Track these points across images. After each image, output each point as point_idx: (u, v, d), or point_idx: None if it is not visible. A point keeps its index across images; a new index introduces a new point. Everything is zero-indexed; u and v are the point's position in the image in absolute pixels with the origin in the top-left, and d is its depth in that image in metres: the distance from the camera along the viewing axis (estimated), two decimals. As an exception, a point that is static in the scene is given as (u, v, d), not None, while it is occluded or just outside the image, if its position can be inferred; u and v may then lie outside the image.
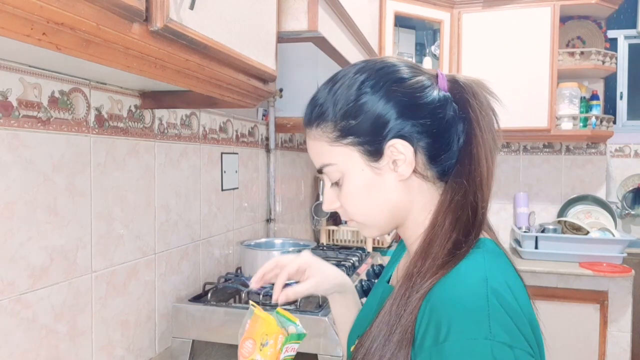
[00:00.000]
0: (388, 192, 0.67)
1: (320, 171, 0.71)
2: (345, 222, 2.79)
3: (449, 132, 0.66)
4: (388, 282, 0.81)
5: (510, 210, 3.12)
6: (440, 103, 0.66)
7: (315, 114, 0.69)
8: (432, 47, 2.95)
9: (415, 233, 0.69)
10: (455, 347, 0.52)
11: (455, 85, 0.68)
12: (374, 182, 0.67)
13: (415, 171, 0.66)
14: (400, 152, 0.65)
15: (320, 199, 2.59)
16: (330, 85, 0.69)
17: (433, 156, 0.66)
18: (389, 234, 2.73)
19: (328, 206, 0.72)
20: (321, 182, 2.60)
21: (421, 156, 0.66)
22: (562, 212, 2.96)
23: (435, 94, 0.66)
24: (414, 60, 2.86)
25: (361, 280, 1.54)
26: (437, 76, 0.68)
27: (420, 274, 0.61)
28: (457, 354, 0.52)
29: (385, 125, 0.65)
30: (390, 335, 0.60)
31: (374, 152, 0.66)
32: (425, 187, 0.68)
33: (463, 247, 0.61)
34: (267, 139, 1.99)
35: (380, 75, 0.67)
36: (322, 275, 0.85)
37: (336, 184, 0.70)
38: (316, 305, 1.23)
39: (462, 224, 0.63)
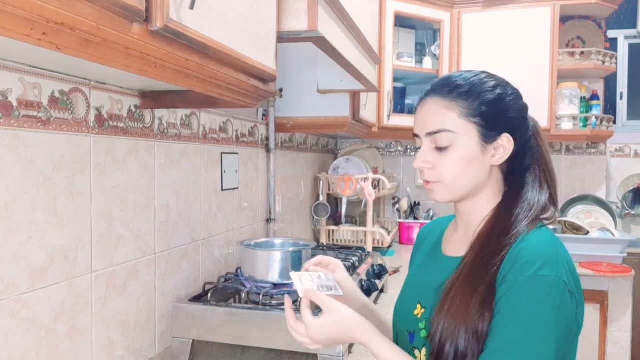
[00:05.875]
0: (481, 169, 0.84)
1: (431, 133, 0.84)
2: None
3: (527, 147, 0.87)
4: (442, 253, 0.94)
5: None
6: (531, 129, 0.89)
7: (455, 88, 0.84)
8: (432, 47, 2.95)
9: (479, 213, 0.87)
10: (541, 277, 0.73)
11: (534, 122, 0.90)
12: (477, 157, 0.83)
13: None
14: (505, 144, 0.84)
15: (321, 198, 2.59)
16: (477, 75, 0.86)
17: (511, 158, 0.85)
18: (389, 234, 2.73)
19: (421, 164, 0.86)
20: (321, 182, 2.60)
21: None
22: (562, 212, 2.96)
23: (531, 123, 0.89)
24: (414, 60, 2.87)
25: (361, 280, 1.53)
26: None
27: (498, 241, 0.80)
28: (540, 283, 0.73)
29: (507, 123, 0.84)
30: (475, 292, 0.77)
31: (490, 135, 0.83)
32: (497, 178, 0.87)
33: (524, 223, 0.82)
34: (267, 139, 1.99)
35: (517, 93, 0.87)
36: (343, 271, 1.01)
37: (439, 149, 0.84)
38: (316, 305, 1.23)
39: (524, 209, 0.84)
